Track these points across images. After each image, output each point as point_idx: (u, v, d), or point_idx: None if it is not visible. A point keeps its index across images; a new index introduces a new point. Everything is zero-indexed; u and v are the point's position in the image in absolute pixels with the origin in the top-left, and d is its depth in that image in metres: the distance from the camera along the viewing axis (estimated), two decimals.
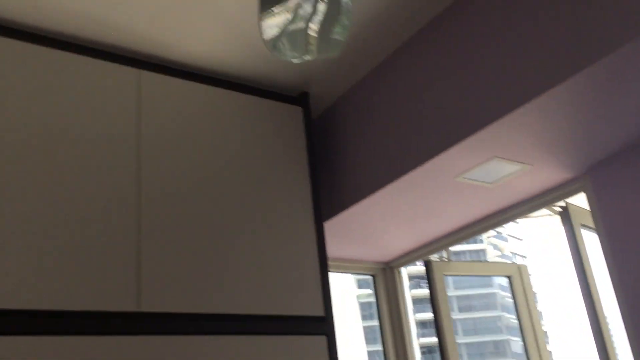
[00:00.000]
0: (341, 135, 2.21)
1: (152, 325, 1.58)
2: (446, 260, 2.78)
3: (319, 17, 1.21)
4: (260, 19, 1.21)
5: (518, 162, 1.89)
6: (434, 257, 2.71)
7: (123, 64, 1.79)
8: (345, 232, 2.35)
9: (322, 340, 1.84)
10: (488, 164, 1.88)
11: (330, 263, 2.63)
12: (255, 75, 2.04)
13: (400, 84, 1.98)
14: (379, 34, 1.92)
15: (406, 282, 2.82)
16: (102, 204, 1.60)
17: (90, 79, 1.72)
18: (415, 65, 1.93)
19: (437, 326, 2.59)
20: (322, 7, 1.19)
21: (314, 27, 1.23)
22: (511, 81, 1.62)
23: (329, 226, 2.26)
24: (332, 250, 2.54)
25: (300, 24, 1.21)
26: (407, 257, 2.66)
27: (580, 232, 2.17)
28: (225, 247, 1.76)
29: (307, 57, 1.28)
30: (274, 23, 1.21)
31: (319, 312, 1.87)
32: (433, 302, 2.60)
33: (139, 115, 1.77)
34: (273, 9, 1.19)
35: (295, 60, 1.28)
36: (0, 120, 1.54)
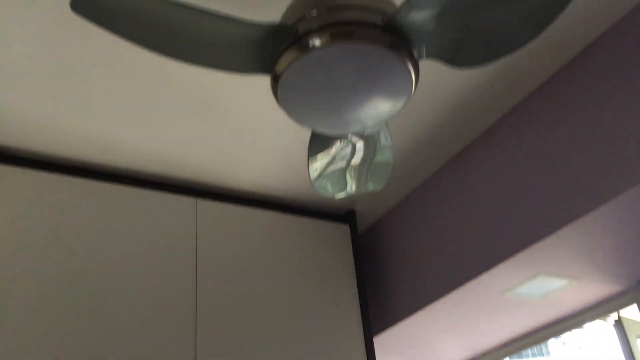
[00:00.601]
0: (388, 251, 2.27)
1: None
2: None
3: (357, 159, 1.32)
4: (308, 163, 1.33)
5: (565, 277, 1.90)
6: None
7: (182, 194, 1.94)
8: (395, 345, 2.36)
9: None
10: (535, 280, 1.90)
11: None
12: (304, 197, 2.16)
13: (446, 202, 2.05)
14: (424, 154, 2.02)
15: None
16: (163, 324, 1.69)
17: (153, 209, 1.86)
18: (460, 183, 2.01)
19: None
20: (360, 150, 1.31)
21: (354, 167, 1.34)
22: (556, 201, 1.67)
23: (380, 340, 2.27)
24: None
25: (341, 164, 1.33)
26: None
27: (636, 343, 2.12)
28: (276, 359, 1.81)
29: (349, 194, 1.39)
30: (317, 166, 1.33)
31: None
32: None
33: (196, 240, 1.89)
34: (317, 155, 1.31)
35: (337, 196, 1.39)
36: (79, 249, 1.68)
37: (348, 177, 1.36)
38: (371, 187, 1.40)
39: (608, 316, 2.15)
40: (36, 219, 1.68)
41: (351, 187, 1.38)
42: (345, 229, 2.21)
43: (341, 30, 1.00)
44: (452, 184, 2.03)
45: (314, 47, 1.00)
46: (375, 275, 2.31)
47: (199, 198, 1.97)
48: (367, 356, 1.99)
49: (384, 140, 1.32)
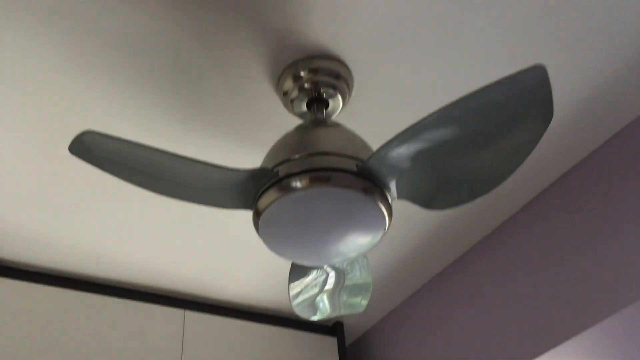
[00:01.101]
0: None
1: None
2: None
3: (334, 284, 1.37)
4: (288, 288, 1.38)
5: None
6: None
7: (170, 306, 1.96)
8: None
9: None
10: None
11: None
12: (291, 309, 2.18)
13: (436, 315, 2.07)
14: (412, 267, 2.06)
15: None
16: None
17: (141, 320, 1.88)
18: (450, 295, 2.04)
19: None
20: (337, 276, 1.36)
21: (331, 292, 1.38)
22: (548, 322, 1.69)
23: None
24: None
25: (319, 290, 1.37)
26: None
27: None
28: None
29: (323, 317, 1.43)
30: (296, 290, 1.38)
31: None
32: None
33: (182, 351, 1.89)
34: (297, 281, 1.36)
35: (313, 319, 1.43)
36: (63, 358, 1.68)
37: (326, 301, 1.40)
38: (348, 311, 1.44)
39: None
40: (25, 329, 1.70)
41: (326, 311, 1.42)
42: (332, 341, 2.22)
43: (319, 175, 1.07)
44: (441, 297, 2.06)
45: (293, 189, 1.07)
46: None
47: (187, 309, 1.99)
48: None
49: (362, 265, 1.37)
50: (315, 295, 1.38)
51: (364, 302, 1.43)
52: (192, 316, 1.98)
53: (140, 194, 1.62)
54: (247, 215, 1.72)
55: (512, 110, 0.99)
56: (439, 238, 1.92)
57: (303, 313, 1.42)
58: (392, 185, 1.12)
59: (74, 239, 1.76)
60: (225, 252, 1.87)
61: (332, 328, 2.27)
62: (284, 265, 1.96)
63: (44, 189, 1.58)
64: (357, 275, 1.38)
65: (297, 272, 1.36)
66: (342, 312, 1.43)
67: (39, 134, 1.43)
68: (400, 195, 1.14)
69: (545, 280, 1.69)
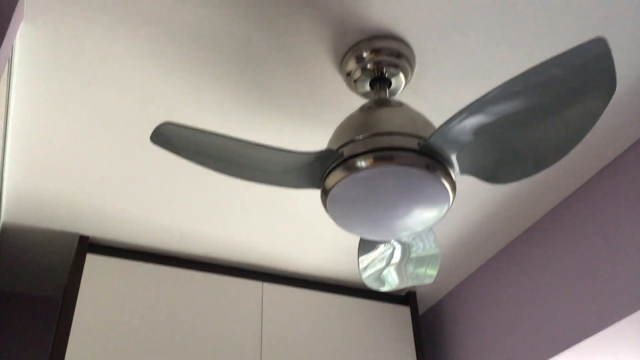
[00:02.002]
0: (449, 332, 2.30)
1: None
2: None
3: (397, 259, 1.42)
4: (358, 261, 1.44)
5: None
6: None
7: (249, 278, 2.08)
8: None
9: None
10: None
11: None
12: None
13: (508, 285, 2.08)
14: (485, 235, 2.07)
15: None
16: None
17: (222, 292, 2.00)
18: (521, 265, 2.04)
19: None
20: (405, 249, 1.40)
21: (400, 264, 1.43)
22: (615, 294, 1.68)
23: None
24: None
25: (380, 266, 1.43)
26: None
27: None
28: None
29: (392, 288, 1.48)
30: (366, 263, 1.44)
31: None
32: None
33: (261, 320, 2.00)
34: (362, 257, 1.42)
35: (383, 290, 1.49)
36: (155, 330, 1.83)
37: (394, 273, 1.45)
38: (419, 281, 1.48)
39: None
40: (115, 302, 1.85)
41: (395, 283, 1.47)
42: (405, 310, 2.27)
43: (382, 154, 1.11)
44: (512, 267, 2.07)
45: (358, 168, 1.12)
46: (435, 356, 2.34)
47: (265, 282, 2.09)
48: None
49: (429, 237, 1.41)
50: (383, 268, 1.44)
51: (432, 274, 1.47)
52: (270, 288, 2.09)
53: (219, 177, 1.72)
54: (318, 193, 1.78)
55: (574, 82, 1.00)
56: (508, 209, 1.92)
57: (373, 285, 1.48)
58: (455, 161, 1.15)
59: (159, 218, 1.89)
60: (299, 227, 1.95)
61: (405, 298, 2.32)
62: (356, 238, 2.02)
63: (132, 175, 1.70)
64: (424, 248, 1.42)
65: (366, 246, 1.42)
66: (410, 283, 1.48)
67: (126, 125, 1.54)
68: (464, 171, 1.17)
69: (616, 250, 1.67)
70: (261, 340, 1.96)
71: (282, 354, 1.97)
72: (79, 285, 1.83)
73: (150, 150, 1.63)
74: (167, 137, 1.12)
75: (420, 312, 2.48)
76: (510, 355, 1.97)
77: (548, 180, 1.81)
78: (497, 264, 2.13)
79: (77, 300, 1.81)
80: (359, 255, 1.42)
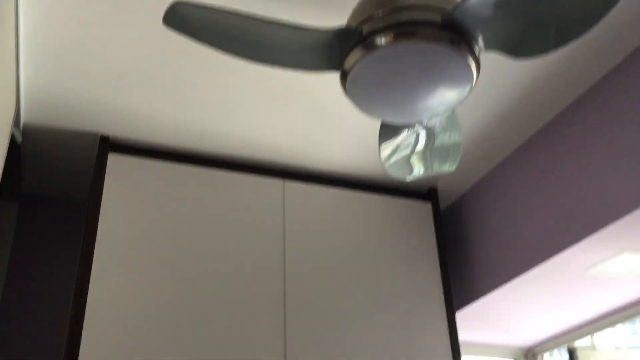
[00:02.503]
0: (470, 227, 2.31)
1: None
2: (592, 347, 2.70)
3: (426, 143, 1.39)
4: (379, 149, 1.42)
5: None
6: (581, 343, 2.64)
7: (270, 176, 2.08)
8: (480, 319, 2.41)
9: None
10: (620, 257, 1.88)
11: (468, 348, 2.67)
12: (386, 176, 2.24)
13: (529, 178, 2.06)
14: (506, 129, 2.04)
15: None
16: (253, 301, 1.85)
17: (243, 190, 2.02)
18: (543, 158, 2.01)
19: None
20: (428, 134, 1.37)
21: (423, 151, 1.41)
22: None
23: (465, 314, 2.33)
24: (469, 335, 2.59)
25: (410, 149, 1.40)
26: (550, 343, 2.62)
27: None
28: (362, 337, 1.92)
29: (416, 176, 1.46)
30: (388, 151, 1.41)
31: None
32: None
33: (283, 218, 2.03)
34: (387, 141, 1.39)
35: (407, 179, 1.47)
36: (176, 228, 1.86)
37: (418, 160, 1.43)
38: (441, 169, 1.46)
39: None
40: (136, 201, 1.88)
41: (420, 170, 1.45)
42: (427, 206, 2.27)
43: (403, 30, 1.06)
44: (535, 159, 2.04)
45: (378, 46, 1.08)
46: (457, 252, 2.36)
47: (286, 179, 2.10)
48: (449, 332, 2.06)
49: (453, 122, 1.38)
50: (407, 156, 1.42)
51: (455, 161, 1.45)
52: (291, 186, 2.10)
53: (238, 72, 1.68)
54: (337, 82, 1.74)
55: None
56: (531, 99, 1.87)
57: (395, 173, 1.47)
58: (479, 36, 1.09)
59: (178, 116, 1.88)
60: (319, 120, 1.93)
61: (426, 194, 2.32)
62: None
63: (149, 72, 1.68)
64: (447, 135, 1.39)
65: (387, 132, 1.39)
66: (433, 171, 1.46)
67: (135, 11, 1.50)
68: (487, 46, 1.12)
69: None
70: (284, 238, 1.99)
71: (305, 251, 2.00)
72: (102, 185, 1.85)
73: (165, 41, 1.59)
74: (180, 17, 1.08)
75: (442, 208, 2.48)
76: (532, 246, 1.98)
77: (576, 64, 1.74)
78: (519, 157, 2.10)
79: (102, 200, 1.83)
80: (380, 143, 1.40)
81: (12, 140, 1.75)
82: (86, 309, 1.67)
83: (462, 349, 2.62)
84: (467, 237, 2.32)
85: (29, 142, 1.96)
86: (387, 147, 1.40)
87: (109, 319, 1.68)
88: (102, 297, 1.70)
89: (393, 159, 1.42)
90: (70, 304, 2.09)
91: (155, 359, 1.68)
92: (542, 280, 2.05)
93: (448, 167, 1.46)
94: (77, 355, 1.61)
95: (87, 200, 2.29)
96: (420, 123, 1.34)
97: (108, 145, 1.92)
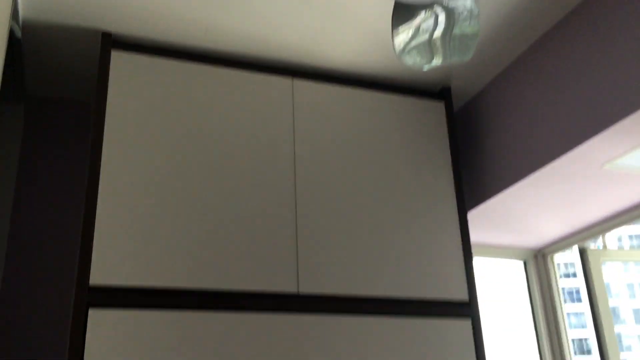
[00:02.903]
0: (483, 127, 2.26)
1: (309, 305, 1.79)
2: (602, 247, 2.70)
3: (442, 29, 1.32)
4: (392, 36, 1.35)
5: None
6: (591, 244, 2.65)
7: (278, 75, 2.02)
8: (491, 219, 2.40)
9: (467, 323, 1.94)
10: (636, 151, 1.84)
11: (479, 249, 2.69)
12: (398, 74, 2.17)
13: (543, 72, 1.99)
14: (521, 26, 1.95)
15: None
16: (263, 200, 1.84)
17: (251, 89, 1.97)
18: (558, 52, 1.94)
19: (594, 318, 2.54)
20: (444, 20, 1.30)
21: (438, 39, 1.34)
22: None
23: (476, 215, 2.32)
24: (480, 236, 2.60)
25: (425, 36, 1.33)
26: (560, 244, 2.63)
27: None
28: (374, 237, 1.93)
29: (434, 65, 1.40)
30: (401, 39, 1.35)
31: (463, 296, 1.97)
32: (590, 293, 2.55)
33: (293, 118, 1.99)
34: (399, 27, 1.32)
35: (424, 68, 1.41)
36: (183, 126, 1.83)
37: (433, 48, 1.36)
38: (458, 58, 1.40)
39: None
40: (140, 98, 1.84)
41: (437, 58, 1.39)
42: (440, 106, 2.22)
43: None
44: (548, 56, 1.96)
45: None
46: (470, 151, 2.33)
47: (295, 78, 2.04)
48: (461, 232, 2.06)
49: (471, 9, 1.30)
50: (424, 42, 1.35)
51: (472, 51, 1.38)
52: (301, 84, 2.04)
53: None
54: None
55: None
56: None
57: (410, 61, 1.41)
58: None
59: (183, 11, 1.80)
60: (330, 16, 1.85)
61: (439, 93, 2.26)
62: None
63: None
64: (467, 22, 1.31)
65: (402, 14, 1.31)
66: (451, 60, 1.39)
67: None
68: None
69: None
70: (294, 138, 1.96)
71: (315, 151, 1.97)
72: (107, 84, 1.81)
73: None
74: None
75: (455, 108, 2.43)
76: (546, 142, 1.94)
77: None
78: (532, 55, 2.02)
79: (107, 99, 1.79)
80: (394, 26, 1.33)
81: (13, 35, 1.69)
82: (97, 208, 1.67)
83: (472, 251, 2.64)
84: (480, 136, 2.28)
85: (29, 40, 1.90)
86: (402, 32, 1.33)
87: (120, 217, 1.68)
88: (113, 196, 1.70)
89: (408, 46, 1.36)
90: (82, 204, 2.10)
91: (164, 257, 1.69)
92: (555, 178, 2.03)
93: (465, 57, 1.40)
94: (91, 253, 1.62)
95: (92, 100, 2.25)
96: (440, 3, 1.26)
97: (111, 41, 1.86)
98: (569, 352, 2.58)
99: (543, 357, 2.61)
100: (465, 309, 1.96)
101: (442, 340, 1.89)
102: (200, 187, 1.79)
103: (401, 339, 1.84)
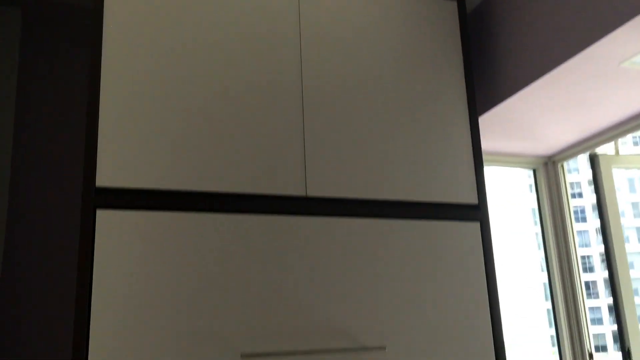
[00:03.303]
0: (496, 27, 2.18)
1: (317, 208, 1.78)
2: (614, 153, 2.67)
3: None
4: None
5: None
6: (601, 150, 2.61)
7: None
8: (502, 125, 2.36)
9: (476, 226, 1.94)
10: None
11: (489, 157, 2.66)
12: None
13: None
14: None
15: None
16: (269, 101, 1.80)
17: None
18: None
19: (603, 228, 2.53)
20: None
21: None
22: None
23: (487, 120, 2.28)
24: (490, 144, 2.56)
25: None
26: (571, 150, 2.60)
27: None
28: (383, 139, 1.89)
29: None
30: None
31: (473, 200, 1.95)
32: (599, 200, 2.53)
33: (299, 16, 1.91)
34: None
35: None
36: (183, 26, 1.77)
37: None
38: None
39: None
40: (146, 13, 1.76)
41: None
42: (452, 5, 2.13)
43: None
44: None
45: None
46: (482, 54, 2.26)
47: None
48: (472, 134, 2.02)
49: None
50: None
51: None
52: None
53: None
54: None
55: None
56: None
57: None
58: None
59: None
60: None
61: None
62: None
63: None
64: None
65: None
66: None
67: None
68: None
69: None
70: (300, 36, 1.89)
71: (323, 51, 1.90)
72: None
73: None
74: None
75: (468, 9, 2.33)
76: (562, 39, 1.86)
77: None
78: None
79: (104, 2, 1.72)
80: None
81: None
82: (100, 109, 1.64)
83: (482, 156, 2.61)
84: (493, 37, 2.20)
85: None
86: None
87: (124, 118, 1.65)
88: (115, 97, 1.66)
89: None
90: (86, 105, 2.06)
91: (170, 159, 1.67)
92: (570, 79, 1.96)
93: None
94: (96, 155, 1.60)
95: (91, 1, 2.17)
96: None
97: None
98: (575, 251, 2.60)
99: (550, 262, 2.63)
100: (475, 212, 1.96)
101: (451, 243, 1.90)
102: (205, 87, 1.75)
103: (410, 242, 1.85)
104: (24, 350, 1.91)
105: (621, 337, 2.48)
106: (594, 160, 2.55)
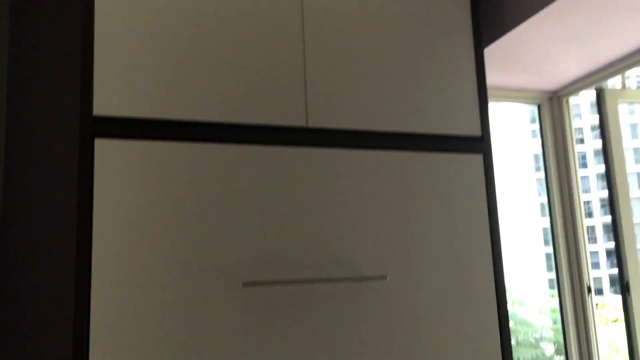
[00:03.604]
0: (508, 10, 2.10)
1: (319, 139, 1.76)
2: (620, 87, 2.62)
3: None
4: None
5: None
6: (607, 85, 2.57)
7: None
8: (507, 58, 2.31)
9: (478, 158, 1.92)
10: None
11: (494, 92, 2.62)
12: None
13: None
14: None
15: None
16: (270, 30, 1.75)
17: None
18: None
19: (604, 152, 2.51)
20: None
21: None
22: None
23: (491, 53, 2.23)
24: (495, 79, 2.52)
25: None
26: (577, 85, 2.55)
27: None
28: (386, 70, 1.85)
29: None
30: None
31: (476, 132, 1.93)
32: (604, 135, 2.50)
33: None
34: None
35: None
36: None
37: None
38: None
39: None
40: None
41: None
42: None
43: None
44: None
45: None
46: (491, 36, 2.18)
47: None
48: (477, 65, 1.97)
49: None
50: None
51: None
52: None
53: None
54: None
55: None
56: None
57: None
58: None
59: None
60: None
61: None
62: None
63: None
64: None
65: None
66: None
67: None
68: None
69: None
70: None
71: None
72: None
73: None
74: None
75: None
76: None
77: None
78: None
79: None
80: None
81: None
82: (95, 37, 1.59)
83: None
84: (504, 23, 2.12)
85: None
86: None
87: (121, 47, 1.61)
88: (111, 25, 1.61)
89: None
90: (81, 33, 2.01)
91: (168, 89, 1.63)
92: (577, 8, 1.90)
93: None
94: (92, 83, 1.57)
95: None
96: None
97: None
98: (578, 187, 2.59)
99: (551, 197, 2.63)
100: (478, 144, 1.93)
101: (453, 175, 1.88)
102: (204, 17, 1.69)
103: (413, 174, 1.83)
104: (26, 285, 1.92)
105: (620, 274, 2.50)
106: (600, 95, 2.50)
